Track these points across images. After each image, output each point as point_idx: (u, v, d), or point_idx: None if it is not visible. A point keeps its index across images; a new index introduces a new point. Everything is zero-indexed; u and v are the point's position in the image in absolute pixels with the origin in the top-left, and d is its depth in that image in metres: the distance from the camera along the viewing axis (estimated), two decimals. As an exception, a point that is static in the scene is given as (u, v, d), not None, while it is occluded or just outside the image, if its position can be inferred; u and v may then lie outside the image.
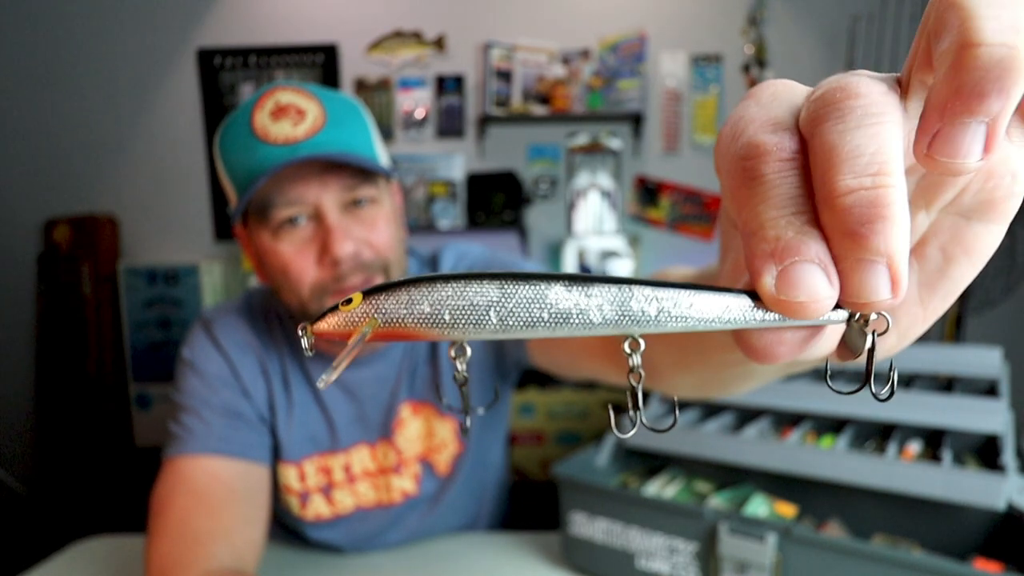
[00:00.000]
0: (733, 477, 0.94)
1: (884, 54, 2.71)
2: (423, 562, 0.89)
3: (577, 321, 0.21)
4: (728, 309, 0.22)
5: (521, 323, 0.21)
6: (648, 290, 0.22)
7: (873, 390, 0.22)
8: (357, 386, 0.87)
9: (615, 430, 0.24)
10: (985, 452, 0.86)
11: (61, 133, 3.02)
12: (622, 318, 0.22)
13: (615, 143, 2.81)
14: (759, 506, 0.86)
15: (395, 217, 0.81)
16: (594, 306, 0.21)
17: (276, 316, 0.88)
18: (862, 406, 0.91)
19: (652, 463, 1.02)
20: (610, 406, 0.27)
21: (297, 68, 2.97)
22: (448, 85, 2.95)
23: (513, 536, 0.94)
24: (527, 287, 0.21)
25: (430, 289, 0.22)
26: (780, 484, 0.91)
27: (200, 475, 0.76)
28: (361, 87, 2.96)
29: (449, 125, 2.98)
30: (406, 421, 0.89)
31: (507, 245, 2.93)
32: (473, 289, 0.22)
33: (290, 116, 0.73)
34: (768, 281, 0.20)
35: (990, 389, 0.94)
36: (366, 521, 0.91)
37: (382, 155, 0.80)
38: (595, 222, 2.80)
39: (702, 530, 0.74)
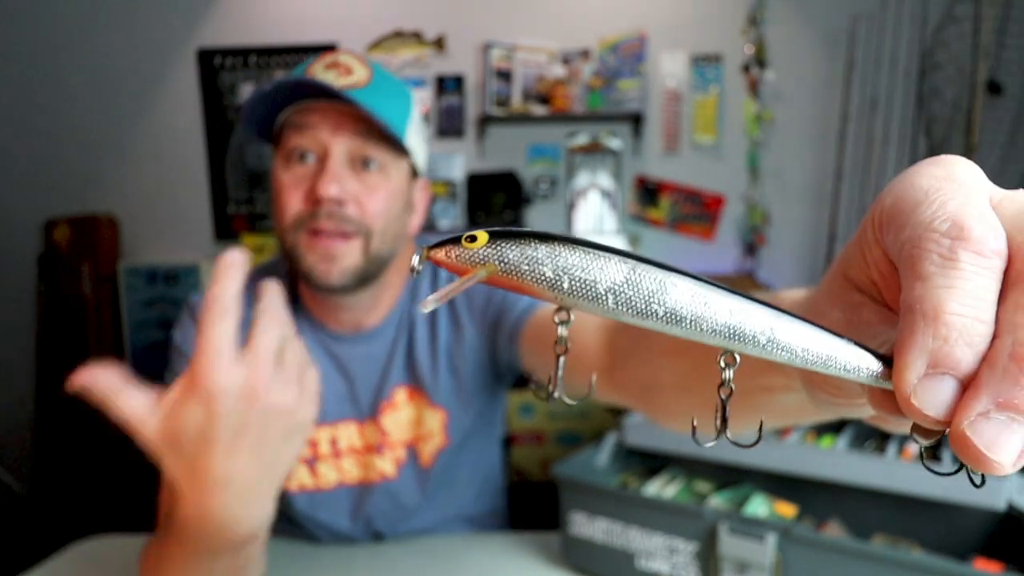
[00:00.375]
0: (733, 477, 0.94)
1: (884, 54, 2.71)
2: (423, 561, 0.89)
3: (688, 326, 0.21)
4: (834, 357, 0.21)
5: (635, 312, 0.21)
6: (769, 317, 0.21)
7: (971, 476, 0.22)
8: (347, 362, 0.88)
9: (694, 439, 0.24)
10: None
11: (61, 133, 3.02)
12: (732, 336, 0.21)
13: (615, 143, 2.81)
14: (759, 506, 0.86)
15: (403, 199, 0.83)
16: (709, 316, 0.21)
17: (282, 284, 0.89)
18: (862, 406, 0.91)
19: (652, 463, 1.02)
20: (693, 421, 0.27)
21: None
22: (448, 85, 2.95)
23: (513, 536, 0.94)
24: (653, 280, 0.21)
25: (557, 252, 0.21)
26: (780, 484, 0.91)
27: None
28: (361, 87, 2.96)
29: (449, 125, 2.98)
30: (399, 405, 0.90)
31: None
32: (600, 265, 0.21)
33: (339, 70, 0.78)
34: (911, 378, 0.19)
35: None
36: (347, 499, 0.91)
37: (413, 141, 0.83)
38: (595, 222, 2.80)
39: (702, 530, 0.74)
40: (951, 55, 2.54)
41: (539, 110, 2.86)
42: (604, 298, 0.21)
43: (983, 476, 0.21)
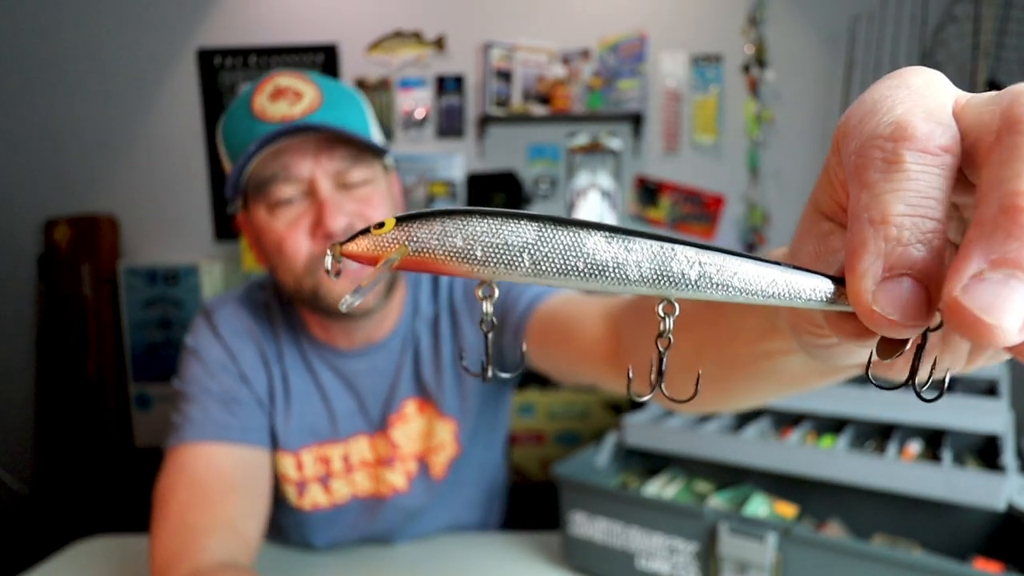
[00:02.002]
0: (733, 477, 0.94)
1: (884, 54, 2.71)
2: (424, 562, 0.89)
3: (613, 275, 0.21)
4: (774, 283, 0.20)
5: (555, 270, 0.21)
6: (692, 251, 0.20)
7: (918, 390, 0.21)
8: (354, 377, 0.88)
9: (632, 395, 0.24)
10: (985, 452, 0.86)
11: (61, 133, 3.02)
12: (660, 278, 0.21)
13: (615, 143, 2.81)
14: (759, 506, 0.86)
15: (392, 200, 0.82)
16: (632, 262, 0.20)
17: (277, 305, 0.89)
18: (862, 406, 0.91)
19: (652, 463, 1.02)
20: (629, 372, 0.26)
21: (297, 68, 2.97)
22: (448, 85, 2.95)
23: (513, 536, 0.94)
24: (566, 233, 0.21)
25: (465, 223, 0.21)
26: (780, 484, 0.91)
27: (200, 466, 0.77)
28: (361, 87, 2.96)
29: (449, 125, 2.98)
30: (409, 417, 0.89)
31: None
32: (510, 228, 0.21)
33: (287, 97, 0.75)
34: (867, 285, 0.18)
35: (990, 389, 0.94)
36: (359, 512, 0.91)
37: (380, 141, 0.81)
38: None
39: (702, 530, 0.74)
40: (951, 55, 2.54)
41: (539, 110, 2.86)
42: (520, 259, 0.21)
43: (932, 391, 0.20)
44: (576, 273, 0.21)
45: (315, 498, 0.88)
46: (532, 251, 0.21)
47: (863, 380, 0.90)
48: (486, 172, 2.95)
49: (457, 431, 0.90)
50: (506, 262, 0.21)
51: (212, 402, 0.81)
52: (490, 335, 0.23)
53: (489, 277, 0.22)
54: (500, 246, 0.21)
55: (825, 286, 0.21)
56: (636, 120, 2.85)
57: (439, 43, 2.94)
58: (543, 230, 0.21)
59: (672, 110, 2.93)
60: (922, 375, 0.21)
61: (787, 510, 0.88)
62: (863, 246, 0.19)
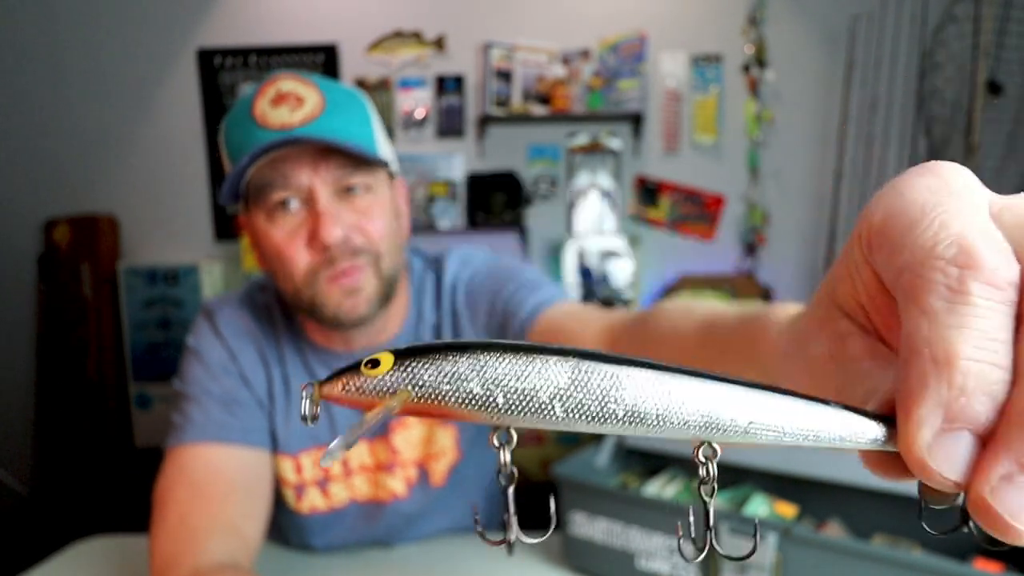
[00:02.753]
0: (733, 477, 0.94)
1: (884, 54, 2.71)
2: (423, 562, 0.89)
3: (655, 424, 0.18)
4: (825, 428, 0.19)
5: (590, 417, 0.18)
6: (745, 395, 0.18)
7: (978, 539, 0.19)
8: None
9: (683, 555, 0.20)
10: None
11: (61, 133, 3.02)
12: (707, 427, 0.18)
13: (615, 143, 2.81)
14: (759, 506, 0.86)
15: (393, 210, 0.81)
16: (678, 408, 0.18)
17: (278, 308, 0.88)
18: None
19: (652, 463, 1.02)
20: (678, 526, 0.23)
21: (297, 68, 2.97)
22: (448, 85, 2.95)
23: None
24: (602, 376, 0.18)
25: (483, 363, 0.18)
26: (780, 484, 0.90)
27: (200, 467, 0.77)
28: (361, 87, 2.96)
29: (449, 125, 2.98)
30: (410, 423, 0.89)
31: (507, 245, 2.93)
32: (538, 369, 0.18)
33: (289, 103, 0.73)
34: (924, 436, 0.17)
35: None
36: (358, 517, 0.91)
37: (384, 148, 0.80)
38: (595, 222, 2.80)
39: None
40: (951, 55, 2.54)
41: (539, 110, 2.86)
42: (550, 407, 0.18)
43: (991, 538, 0.18)
44: (614, 420, 0.18)
45: (313, 502, 0.88)
46: (564, 399, 0.18)
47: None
48: (486, 172, 2.94)
49: (458, 436, 0.90)
50: (534, 410, 0.18)
51: (213, 403, 0.81)
52: (510, 489, 0.20)
53: (512, 424, 0.19)
54: (527, 392, 0.18)
55: (876, 430, 0.19)
56: (636, 120, 2.85)
57: (439, 43, 2.94)
58: (577, 373, 0.18)
59: (672, 110, 2.93)
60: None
61: (787, 510, 0.88)
62: (923, 389, 0.17)
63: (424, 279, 0.92)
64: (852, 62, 2.72)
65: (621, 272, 2.76)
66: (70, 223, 2.95)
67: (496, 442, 0.19)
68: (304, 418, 0.19)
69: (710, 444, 0.19)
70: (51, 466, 3.01)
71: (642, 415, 0.18)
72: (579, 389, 0.18)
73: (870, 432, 0.19)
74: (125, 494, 2.83)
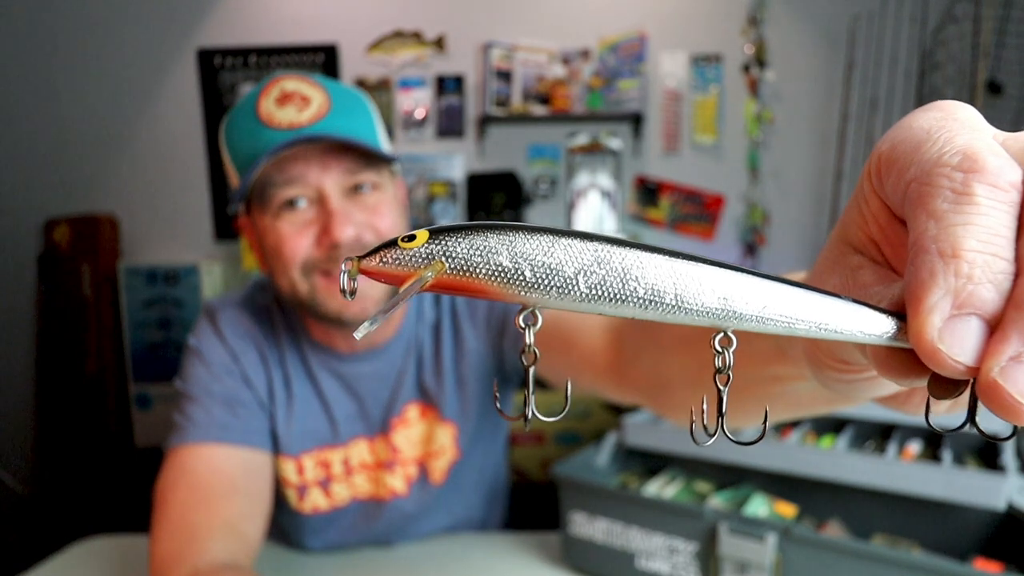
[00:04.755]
0: (733, 477, 0.94)
1: (884, 54, 2.71)
2: (423, 561, 0.89)
3: (671, 303, 0.19)
4: (837, 318, 0.19)
5: (611, 295, 0.19)
6: (760, 283, 0.19)
7: (981, 429, 0.20)
8: (355, 381, 0.87)
9: (693, 437, 0.22)
10: (985, 452, 0.86)
11: (61, 133, 3.02)
12: (723, 309, 0.19)
13: (615, 143, 2.81)
14: (759, 506, 0.86)
15: (400, 207, 0.81)
16: (695, 290, 0.19)
17: (279, 308, 0.88)
18: (862, 406, 0.91)
19: (652, 463, 1.02)
20: (692, 414, 0.24)
21: (297, 68, 2.97)
22: (448, 85, 2.95)
23: (513, 536, 0.94)
24: (624, 255, 0.19)
25: (511, 238, 0.18)
26: (780, 484, 0.90)
27: (201, 467, 0.77)
28: (361, 87, 2.96)
29: (449, 125, 2.98)
30: (411, 422, 0.89)
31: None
32: (562, 246, 0.18)
33: (295, 102, 0.73)
34: (934, 322, 0.17)
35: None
36: (362, 517, 0.91)
37: (386, 147, 0.81)
38: (595, 222, 2.80)
39: (702, 530, 0.74)
40: (951, 55, 2.54)
41: (539, 110, 2.86)
42: (574, 283, 0.18)
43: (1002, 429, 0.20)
44: (634, 300, 0.19)
45: (315, 501, 0.88)
46: (588, 274, 0.18)
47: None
48: (486, 172, 2.94)
49: (457, 435, 0.90)
50: (559, 286, 0.18)
51: (215, 403, 0.81)
52: (531, 371, 0.21)
53: (537, 303, 0.19)
54: (553, 267, 0.18)
55: (886, 323, 0.19)
56: (636, 120, 2.85)
57: (439, 43, 2.94)
58: (600, 251, 0.19)
59: (672, 110, 2.93)
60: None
61: (787, 510, 0.88)
62: (932, 279, 0.18)
63: None
64: (852, 62, 2.72)
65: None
66: (70, 223, 2.95)
67: (522, 323, 0.20)
68: (343, 291, 0.19)
69: (726, 333, 0.20)
70: (51, 466, 3.01)
71: (661, 295, 0.19)
72: (602, 266, 0.19)
73: (881, 325, 0.19)
74: (125, 494, 2.83)
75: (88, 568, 0.89)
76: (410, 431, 0.89)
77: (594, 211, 2.80)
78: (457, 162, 2.98)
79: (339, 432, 0.87)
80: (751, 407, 0.44)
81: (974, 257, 0.17)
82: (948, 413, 0.23)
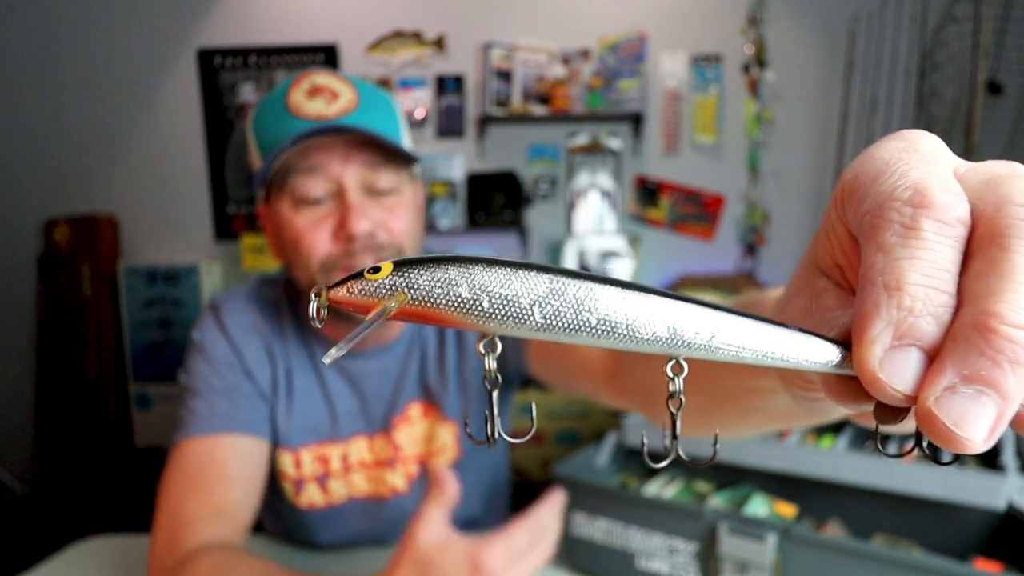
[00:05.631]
0: (733, 477, 0.94)
1: (884, 54, 2.71)
2: (423, 562, 0.89)
3: (624, 333, 0.20)
4: (784, 348, 0.20)
5: (565, 325, 0.20)
6: (709, 314, 0.20)
7: (927, 453, 0.21)
8: (360, 377, 0.88)
9: (648, 460, 0.23)
10: (985, 452, 0.86)
11: (61, 133, 3.02)
12: (673, 339, 0.20)
13: (615, 143, 2.81)
14: (759, 506, 0.86)
15: (416, 210, 0.82)
16: (646, 321, 0.20)
17: (287, 302, 0.89)
18: (862, 406, 0.91)
19: (652, 463, 1.02)
20: (643, 436, 0.26)
21: (297, 68, 2.97)
22: (448, 85, 2.95)
23: (513, 536, 0.94)
24: (578, 287, 0.20)
25: (471, 271, 0.20)
26: (780, 484, 0.91)
27: (197, 457, 0.78)
28: (361, 87, 2.96)
29: (449, 125, 2.98)
30: (413, 420, 0.89)
31: (507, 245, 2.93)
32: (520, 279, 0.20)
33: (324, 95, 0.75)
34: (875, 352, 0.18)
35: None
36: (357, 514, 0.91)
37: (410, 148, 0.81)
38: (595, 222, 2.80)
39: (702, 530, 0.74)
40: (951, 55, 2.54)
41: (539, 110, 2.86)
42: (530, 313, 0.20)
43: (944, 454, 0.20)
44: (587, 329, 0.20)
45: (312, 497, 0.88)
46: (543, 305, 0.20)
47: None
48: (486, 172, 2.94)
49: (459, 434, 0.90)
50: (515, 316, 0.20)
51: (216, 396, 0.82)
52: (495, 393, 0.22)
53: (495, 331, 0.20)
54: (509, 299, 0.20)
55: (831, 352, 0.20)
56: (636, 120, 2.85)
57: (439, 43, 2.94)
58: (555, 283, 0.20)
59: (672, 110, 2.93)
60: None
61: (787, 510, 0.88)
62: (875, 311, 0.18)
63: None
64: (852, 62, 2.72)
65: (621, 272, 2.76)
66: (70, 223, 2.95)
67: (482, 349, 0.21)
68: (312, 319, 0.21)
69: (678, 361, 0.21)
70: (51, 466, 3.01)
71: (614, 325, 0.20)
72: (556, 297, 0.20)
73: (827, 354, 0.20)
74: (125, 494, 2.83)
75: (88, 568, 0.89)
76: (412, 429, 0.89)
77: (594, 211, 2.80)
78: (457, 162, 2.98)
79: (339, 428, 0.88)
80: (733, 419, 0.45)
81: (916, 291, 0.18)
82: (902, 431, 0.24)
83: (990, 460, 0.83)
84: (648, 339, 0.20)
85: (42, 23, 2.97)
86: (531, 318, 0.20)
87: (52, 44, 2.97)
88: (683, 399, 0.21)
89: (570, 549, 0.85)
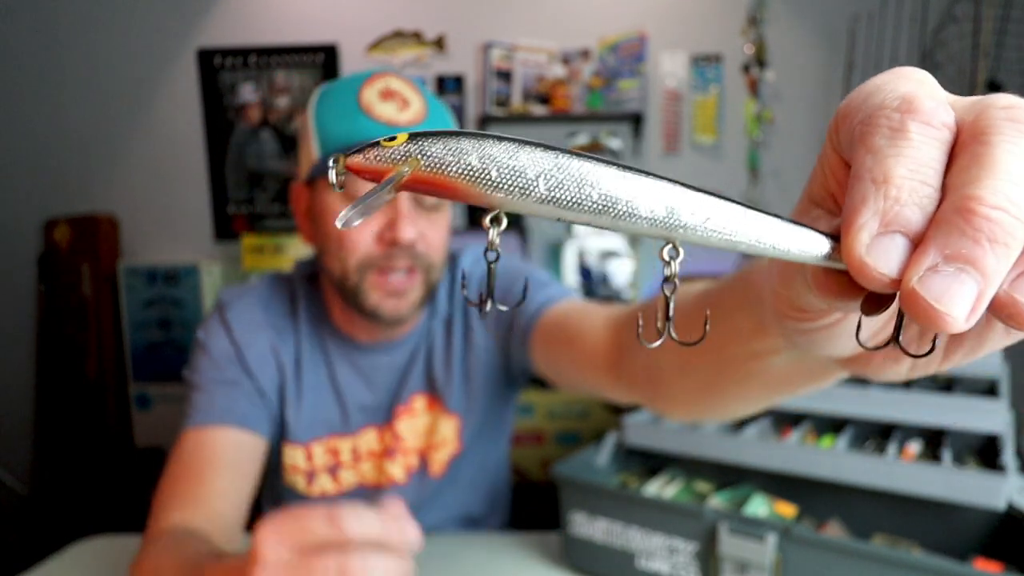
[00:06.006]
0: (733, 477, 0.94)
1: (884, 54, 2.71)
2: (422, 561, 0.89)
3: (623, 210, 0.21)
4: (775, 234, 0.21)
5: (568, 199, 0.20)
6: (702, 199, 0.21)
7: (904, 348, 0.22)
8: (371, 372, 0.89)
9: (641, 339, 0.24)
10: (985, 452, 0.86)
11: (61, 133, 3.02)
12: (670, 218, 0.21)
13: (615, 143, 2.81)
14: (759, 506, 0.86)
15: (450, 226, 0.85)
16: (644, 198, 0.21)
17: (303, 296, 0.90)
18: (862, 406, 0.91)
19: (652, 463, 1.02)
20: (638, 315, 0.26)
21: (297, 68, 2.97)
22: (448, 85, 2.95)
23: (513, 536, 0.94)
24: (581, 162, 0.21)
25: (481, 142, 0.21)
26: (780, 484, 0.91)
27: (190, 448, 0.79)
28: (361, 87, 2.96)
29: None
30: (416, 412, 0.91)
31: (507, 245, 2.93)
32: (526, 152, 0.21)
33: (396, 101, 0.77)
34: (862, 238, 0.19)
35: (990, 389, 0.94)
36: (361, 501, 0.92)
37: None
38: (595, 222, 2.80)
39: (702, 530, 0.74)
40: (951, 55, 2.54)
41: (539, 110, 2.86)
42: (535, 184, 0.20)
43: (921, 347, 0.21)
44: (589, 204, 0.20)
45: (324, 486, 0.90)
46: (548, 177, 0.20)
47: (862, 380, 0.90)
48: (486, 172, 2.94)
49: (460, 428, 0.91)
50: (521, 186, 0.20)
51: (215, 389, 0.83)
52: (494, 265, 0.23)
53: (501, 203, 0.21)
54: (516, 169, 0.20)
55: (822, 242, 0.21)
56: (636, 120, 2.85)
57: (439, 43, 2.94)
58: (559, 158, 0.21)
59: (672, 110, 2.93)
60: (907, 343, 0.22)
61: (787, 510, 0.88)
62: (863, 202, 0.19)
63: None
64: (852, 62, 2.72)
65: (621, 272, 2.76)
66: (70, 223, 2.95)
67: (487, 223, 0.22)
68: (332, 185, 0.21)
69: (674, 244, 0.22)
70: (51, 466, 3.01)
71: (614, 202, 0.21)
72: (561, 171, 0.20)
73: (818, 245, 0.21)
74: (125, 494, 2.83)
75: (88, 568, 0.89)
76: (415, 421, 0.90)
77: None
78: (457, 162, 2.98)
79: (350, 421, 0.89)
80: (733, 387, 0.46)
81: (902, 183, 0.19)
82: (877, 343, 0.25)
83: (990, 460, 0.83)
84: (646, 217, 0.21)
85: (42, 23, 2.97)
86: (536, 189, 0.20)
87: (52, 44, 2.97)
88: (677, 283, 0.22)
89: (570, 549, 0.85)
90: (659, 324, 0.24)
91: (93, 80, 2.99)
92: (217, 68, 2.98)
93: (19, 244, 3.04)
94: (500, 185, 0.21)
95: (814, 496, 0.88)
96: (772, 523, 0.70)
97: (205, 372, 0.85)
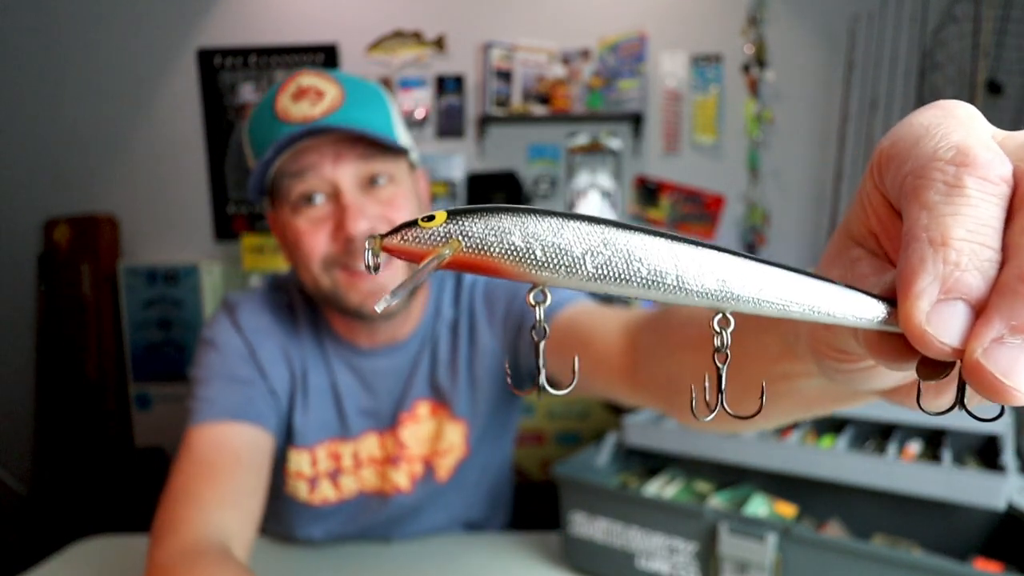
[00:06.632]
0: (733, 477, 0.94)
1: (884, 54, 2.71)
2: (423, 561, 0.89)
3: (673, 284, 0.20)
4: (831, 303, 0.20)
5: (616, 275, 0.20)
6: (757, 267, 0.20)
7: (969, 411, 0.21)
8: (371, 376, 0.88)
9: (694, 413, 0.23)
10: (985, 452, 0.86)
11: (61, 133, 3.02)
12: (722, 291, 0.20)
13: (615, 143, 2.81)
14: (759, 506, 0.86)
15: (416, 199, 0.82)
16: (695, 272, 0.20)
17: (302, 303, 0.89)
18: (862, 406, 0.91)
19: (652, 463, 1.02)
20: (692, 387, 0.26)
21: (297, 68, 2.97)
22: (448, 85, 2.95)
23: (513, 536, 0.94)
24: (629, 238, 0.20)
25: (524, 219, 0.20)
26: (780, 484, 0.91)
27: (208, 442, 0.77)
28: (361, 87, 2.96)
29: (449, 125, 2.98)
30: (421, 419, 0.89)
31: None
32: (571, 227, 0.20)
33: (309, 97, 0.75)
34: (922, 306, 0.18)
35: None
36: (365, 509, 0.91)
37: (404, 138, 0.81)
38: (595, 222, 2.80)
39: (702, 530, 0.74)
40: (951, 55, 2.54)
41: (539, 110, 2.86)
42: (582, 262, 0.20)
43: (987, 409, 0.20)
44: (638, 280, 0.20)
45: (325, 493, 0.89)
46: (595, 254, 0.20)
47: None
48: (486, 172, 2.94)
49: (467, 433, 0.90)
50: (567, 265, 0.20)
51: (225, 384, 0.81)
52: (542, 344, 0.22)
53: (547, 281, 0.20)
54: (562, 247, 0.20)
55: (877, 308, 0.20)
56: (636, 120, 2.85)
57: (439, 43, 2.94)
58: (607, 233, 0.20)
59: (672, 110, 2.93)
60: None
61: (787, 510, 0.88)
62: (921, 266, 0.18)
63: (444, 275, 0.93)
64: (852, 62, 2.72)
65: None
66: (70, 223, 2.95)
67: (532, 300, 0.21)
68: (368, 267, 0.21)
69: (724, 314, 0.21)
70: (51, 466, 3.01)
71: (663, 276, 0.20)
72: (608, 247, 0.20)
73: (873, 310, 0.20)
74: (125, 494, 2.83)
75: (88, 568, 0.89)
76: (419, 427, 0.89)
77: (594, 211, 2.80)
78: (457, 162, 2.98)
79: (349, 426, 0.88)
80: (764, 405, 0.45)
81: (962, 246, 0.18)
82: (938, 401, 0.24)
83: (990, 460, 0.83)
84: (697, 291, 0.20)
85: (42, 23, 2.97)
86: (583, 267, 0.20)
87: (52, 44, 2.97)
88: (728, 353, 0.21)
89: (570, 549, 0.85)
90: (706, 397, 0.23)
91: (93, 80, 2.99)
92: (217, 68, 2.98)
93: (19, 244, 3.04)
94: (546, 264, 0.20)
95: (814, 496, 0.88)
96: (772, 523, 0.70)
97: (217, 368, 0.83)
